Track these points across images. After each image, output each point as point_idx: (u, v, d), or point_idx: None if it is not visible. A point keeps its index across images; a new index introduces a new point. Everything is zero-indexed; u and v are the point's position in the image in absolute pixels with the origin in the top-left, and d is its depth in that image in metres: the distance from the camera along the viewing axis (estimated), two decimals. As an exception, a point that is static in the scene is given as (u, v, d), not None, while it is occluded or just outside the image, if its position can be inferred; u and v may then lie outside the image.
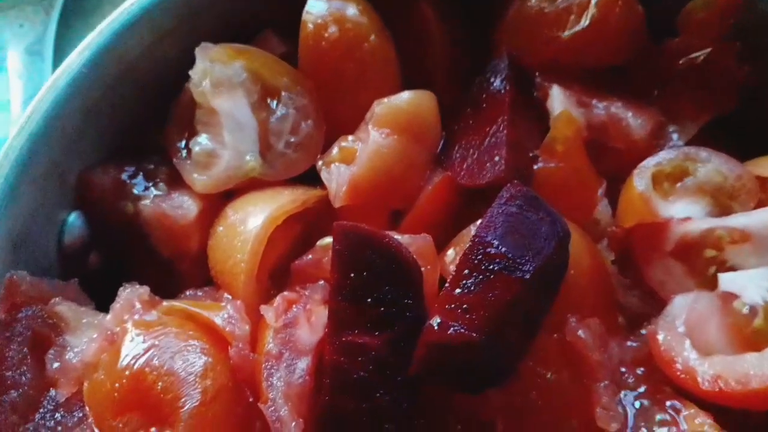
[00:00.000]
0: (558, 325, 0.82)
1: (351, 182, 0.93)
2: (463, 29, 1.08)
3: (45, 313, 0.88)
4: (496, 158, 0.91)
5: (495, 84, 0.98)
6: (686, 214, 0.90)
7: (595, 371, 0.80)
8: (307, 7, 1.00)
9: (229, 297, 0.89)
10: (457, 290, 0.76)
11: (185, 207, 0.97)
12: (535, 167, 0.93)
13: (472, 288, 0.75)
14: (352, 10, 1.00)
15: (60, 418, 0.83)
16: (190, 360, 0.80)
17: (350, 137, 0.99)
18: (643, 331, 0.86)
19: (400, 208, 0.97)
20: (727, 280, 0.83)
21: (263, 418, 0.78)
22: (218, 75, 0.97)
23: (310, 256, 0.90)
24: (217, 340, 0.84)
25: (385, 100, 0.96)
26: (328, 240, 0.88)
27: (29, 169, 0.92)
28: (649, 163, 0.94)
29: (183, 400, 0.78)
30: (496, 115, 0.95)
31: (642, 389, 0.81)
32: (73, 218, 1.01)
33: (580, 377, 0.81)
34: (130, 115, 1.04)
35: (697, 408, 0.78)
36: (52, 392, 0.84)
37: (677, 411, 0.79)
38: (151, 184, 1.00)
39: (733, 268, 0.86)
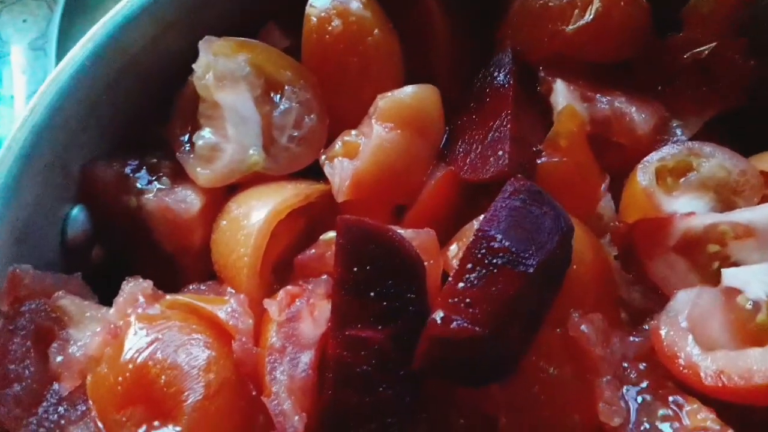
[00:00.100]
0: (561, 320, 0.82)
1: (354, 177, 0.93)
2: (467, 23, 1.08)
3: (48, 306, 0.88)
4: (500, 153, 0.91)
5: (498, 78, 0.98)
6: (690, 209, 0.89)
7: (598, 366, 0.80)
8: (311, 1, 1.00)
9: (233, 291, 0.89)
10: (461, 284, 0.76)
11: (188, 201, 0.97)
12: (539, 162, 0.92)
13: (475, 282, 0.75)
14: (355, 4, 1.00)
15: (63, 411, 0.83)
16: (194, 353, 0.80)
17: (353, 132, 0.99)
18: (646, 327, 0.85)
19: (403, 203, 0.97)
20: (730, 276, 0.83)
21: (266, 412, 0.78)
22: (222, 68, 0.97)
23: (313, 251, 0.90)
24: (220, 334, 0.84)
25: (389, 94, 0.96)
26: (331, 234, 0.88)
27: (32, 162, 0.92)
28: (653, 158, 0.94)
29: (186, 393, 0.78)
30: (500, 109, 0.95)
31: (644, 384, 0.81)
32: (76, 212, 1.00)
33: (582, 372, 0.81)
34: (134, 109, 1.04)
35: (700, 403, 0.78)
36: (56, 386, 0.84)
37: (680, 406, 0.78)
38: (154, 177, 1.00)
39: (736, 264, 0.85)
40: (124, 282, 0.88)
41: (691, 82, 1.01)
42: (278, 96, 1.00)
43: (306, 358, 0.80)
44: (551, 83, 0.99)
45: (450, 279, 0.78)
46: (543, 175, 0.92)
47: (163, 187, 0.99)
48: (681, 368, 0.78)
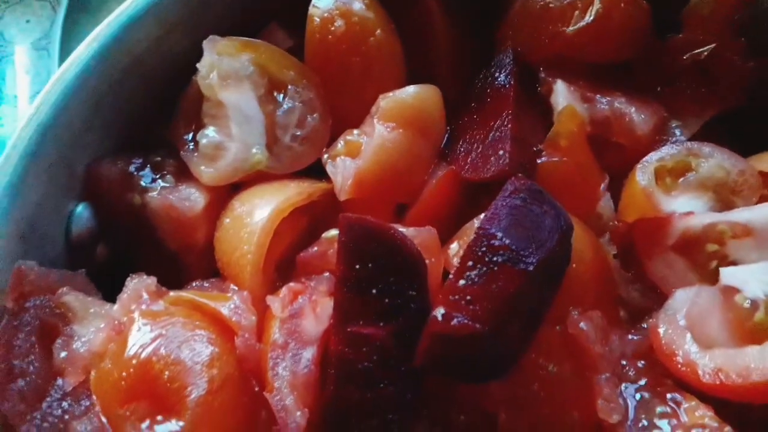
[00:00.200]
0: (560, 317, 0.82)
1: (356, 176, 0.94)
2: (467, 23, 1.09)
3: (53, 303, 0.89)
4: (500, 152, 0.92)
5: (499, 79, 0.99)
6: (688, 209, 0.90)
7: (597, 363, 0.80)
8: (314, 1, 1.01)
9: (236, 288, 0.90)
10: (461, 281, 0.76)
11: (192, 199, 0.98)
12: (539, 161, 0.93)
13: (476, 279, 0.76)
14: (358, 5, 1.01)
15: (67, 406, 0.84)
16: (197, 349, 0.81)
17: (356, 131, 1.00)
18: (645, 325, 0.86)
19: (405, 202, 0.98)
20: (728, 275, 0.84)
21: (269, 408, 0.79)
22: (226, 68, 0.97)
23: (315, 248, 0.91)
24: (223, 330, 0.84)
25: (391, 94, 0.97)
26: (334, 232, 0.89)
27: (37, 160, 0.93)
28: (652, 158, 0.94)
29: (189, 388, 0.79)
30: (501, 109, 0.96)
31: (643, 382, 0.82)
32: (81, 209, 1.01)
33: (581, 369, 0.81)
34: (137, 109, 1.04)
35: (698, 401, 0.78)
36: (60, 381, 0.85)
37: (678, 403, 0.79)
38: (158, 176, 1.00)
39: (734, 263, 0.86)
40: (128, 279, 0.89)
41: (690, 82, 1.02)
42: (281, 95, 1.01)
43: (308, 354, 0.81)
44: (552, 84, 0.99)
45: (451, 276, 0.79)
46: (543, 174, 0.92)
47: (167, 185, 1.00)
48: (679, 366, 0.79)
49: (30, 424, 0.83)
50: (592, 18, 0.98)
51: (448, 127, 1.02)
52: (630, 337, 0.85)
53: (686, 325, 0.81)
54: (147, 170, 1.01)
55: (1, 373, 0.84)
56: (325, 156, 0.99)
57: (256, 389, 0.82)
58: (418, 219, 0.94)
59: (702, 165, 0.93)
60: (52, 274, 0.91)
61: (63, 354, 0.86)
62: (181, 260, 1.00)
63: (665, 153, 0.95)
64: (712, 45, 1.00)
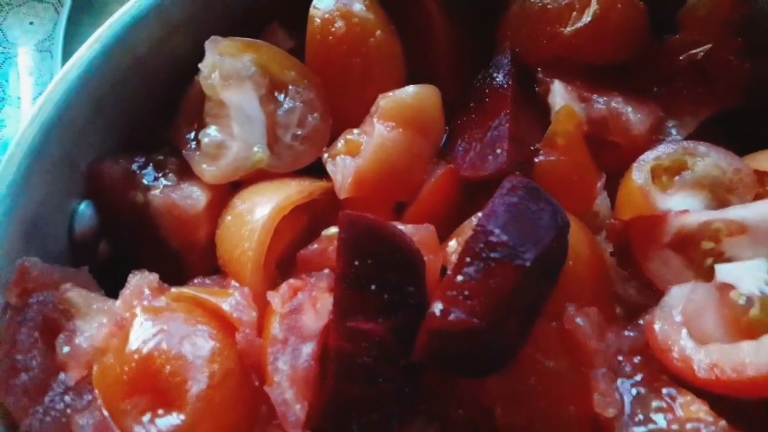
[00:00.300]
0: (557, 313, 0.83)
1: (356, 174, 0.95)
2: (467, 24, 1.09)
3: (56, 298, 0.89)
4: (498, 151, 0.92)
5: (498, 79, 1.00)
6: (684, 207, 0.91)
7: (593, 359, 0.81)
8: (315, 2, 1.02)
9: (237, 284, 0.90)
10: (459, 277, 0.77)
11: (194, 197, 0.98)
12: (536, 160, 0.94)
13: (473, 275, 0.76)
14: (358, 6, 1.02)
15: (69, 401, 0.85)
16: (198, 344, 0.82)
17: (356, 130, 1.01)
18: (641, 321, 0.86)
19: (404, 200, 0.98)
20: (723, 272, 0.84)
21: (269, 402, 0.79)
22: (228, 68, 0.98)
23: (315, 246, 0.92)
24: (224, 326, 0.85)
25: (390, 94, 0.98)
26: (333, 230, 0.90)
27: (41, 158, 0.94)
28: (648, 157, 0.95)
29: (190, 383, 0.79)
30: (499, 109, 0.97)
31: (639, 377, 0.82)
32: (84, 207, 1.02)
33: (578, 365, 0.82)
34: (140, 109, 1.05)
35: (693, 396, 0.78)
36: (62, 376, 0.86)
37: (673, 398, 0.79)
38: (160, 174, 1.01)
39: (729, 260, 0.86)
40: (131, 275, 0.90)
41: (687, 83, 1.02)
42: (282, 95, 1.02)
43: (308, 349, 0.82)
44: (549, 84, 1.00)
45: (449, 272, 0.79)
46: (540, 173, 0.93)
47: (170, 183, 1.00)
48: (675, 361, 0.79)
49: (33, 418, 0.83)
50: (589, 19, 0.99)
51: (447, 127, 1.03)
52: (626, 333, 0.85)
53: (682, 321, 0.82)
54: (149, 169, 1.01)
55: (5, 368, 0.85)
56: (326, 155, 1.00)
57: (257, 384, 0.83)
58: (417, 217, 0.95)
59: (698, 164, 0.94)
60: (55, 270, 0.92)
61: (66, 349, 0.86)
62: (183, 258, 1.01)
63: (661, 152, 0.95)
64: (709, 45, 1.01)
